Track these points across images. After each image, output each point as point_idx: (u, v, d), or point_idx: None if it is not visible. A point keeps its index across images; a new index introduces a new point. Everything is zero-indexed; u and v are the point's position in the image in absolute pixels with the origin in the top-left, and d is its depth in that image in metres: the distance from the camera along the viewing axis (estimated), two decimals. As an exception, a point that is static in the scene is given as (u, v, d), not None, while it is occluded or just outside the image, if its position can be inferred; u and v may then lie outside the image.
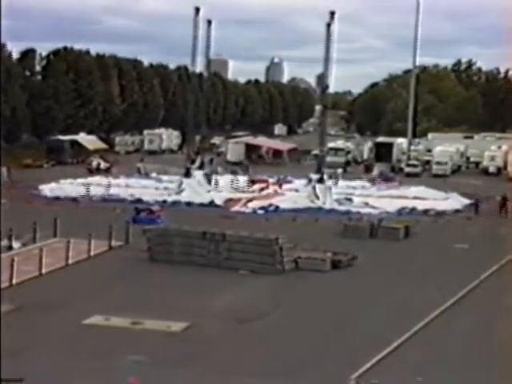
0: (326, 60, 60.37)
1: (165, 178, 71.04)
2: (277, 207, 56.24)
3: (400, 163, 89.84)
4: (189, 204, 57.03)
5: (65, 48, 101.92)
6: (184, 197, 59.52)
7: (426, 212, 55.51)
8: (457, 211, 56.92)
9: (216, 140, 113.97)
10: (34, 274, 32.84)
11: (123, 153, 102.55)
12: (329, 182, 61.66)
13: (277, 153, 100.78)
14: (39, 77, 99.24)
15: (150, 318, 26.78)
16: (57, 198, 57.84)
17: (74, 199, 57.42)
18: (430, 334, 26.47)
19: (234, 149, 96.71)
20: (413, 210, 56.08)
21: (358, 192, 64.89)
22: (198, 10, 63.58)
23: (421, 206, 57.39)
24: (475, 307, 30.17)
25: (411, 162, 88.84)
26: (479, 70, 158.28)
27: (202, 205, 56.70)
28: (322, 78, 67.85)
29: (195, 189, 61.44)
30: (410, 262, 38.73)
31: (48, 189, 62.28)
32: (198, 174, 64.79)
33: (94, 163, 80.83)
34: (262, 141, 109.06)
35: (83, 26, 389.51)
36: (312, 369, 22.77)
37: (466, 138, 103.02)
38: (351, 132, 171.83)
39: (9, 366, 20.49)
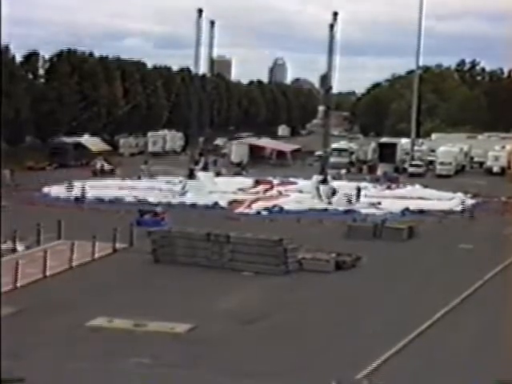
0: (330, 61, 60.39)
1: (169, 179, 70.99)
2: (281, 208, 56.24)
3: (404, 163, 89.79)
4: (193, 205, 57.02)
5: (68, 50, 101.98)
6: (188, 198, 59.52)
7: (430, 212, 55.39)
8: (461, 211, 56.84)
9: (219, 141, 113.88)
10: (38, 276, 32.85)
11: (127, 155, 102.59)
12: (333, 183, 61.82)
13: (280, 154, 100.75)
14: (43, 79, 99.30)
15: (154, 320, 26.77)
16: (61, 201, 57.89)
17: (78, 201, 57.49)
18: (430, 339, 26.43)
19: (237, 150, 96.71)
20: (416, 210, 55.97)
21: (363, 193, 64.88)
22: (201, 11, 63.62)
23: (425, 206, 57.29)
24: (479, 309, 30.10)
25: (415, 163, 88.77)
26: (483, 69, 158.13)
27: (206, 206, 56.71)
28: (325, 79, 67.80)
29: (199, 190, 61.42)
30: (414, 263, 38.66)
31: (52, 191, 62.30)
32: (202, 176, 64.83)
33: (98, 165, 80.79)
34: (265, 142, 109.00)
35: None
36: (312, 369, 22.75)
37: (470, 137, 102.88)
38: (355, 133, 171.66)
39: (13, 367, 20.53)
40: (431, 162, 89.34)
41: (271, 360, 23.54)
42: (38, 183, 64.62)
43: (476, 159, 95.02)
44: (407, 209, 55.99)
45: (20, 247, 37.86)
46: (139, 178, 73.42)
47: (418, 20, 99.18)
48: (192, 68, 70.95)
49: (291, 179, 72.21)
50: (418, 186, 68.13)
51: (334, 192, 59.55)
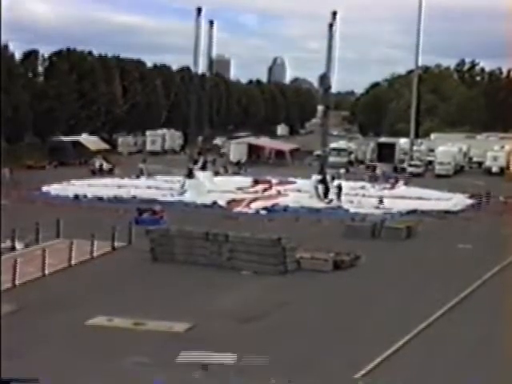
0: (329, 60, 60.42)
1: (167, 178, 71.02)
2: (282, 207, 56.33)
3: (403, 163, 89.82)
4: (192, 204, 56.98)
5: (67, 49, 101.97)
6: (187, 197, 59.55)
7: (428, 212, 55.40)
8: (460, 211, 56.89)
9: (218, 140, 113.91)
10: (37, 274, 32.86)
11: (126, 153, 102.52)
12: (333, 183, 61.97)
13: (279, 153, 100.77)
14: (42, 77, 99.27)
15: (153, 319, 26.79)
16: (60, 199, 57.92)
17: (77, 200, 57.60)
18: (430, 337, 26.46)
19: (236, 149, 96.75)
20: (415, 210, 55.97)
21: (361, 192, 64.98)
22: (199, 10, 63.63)
23: (424, 206, 57.31)
24: (476, 309, 30.11)
25: (414, 163, 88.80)
26: (482, 70, 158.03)
27: (204, 205, 56.71)
28: (324, 79, 67.82)
29: (198, 189, 61.44)
30: (413, 263, 38.65)
31: (51, 189, 62.37)
32: (201, 175, 64.85)
33: (97, 164, 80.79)
34: (264, 141, 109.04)
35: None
36: (311, 369, 22.77)
37: (469, 137, 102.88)
38: (354, 132, 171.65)
39: (12, 366, 20.51)
40: (430, 162, 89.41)
41: (270, 359, 23.54)
42: (38, 182, 64.61)
43: (475, 159, 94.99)
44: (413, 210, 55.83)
45: (19, 245, 37.87)
46: (137, 176, 73.46)
47: (417, 19, 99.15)
48: (191, 67, 70.88)
49: (290, 179, 72.25)
50: (413, 188, 68.14)
51: (327, 190, 59.78)
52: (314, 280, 34.07)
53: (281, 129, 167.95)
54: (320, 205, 57.52)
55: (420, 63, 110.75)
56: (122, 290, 31.29)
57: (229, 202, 58.19)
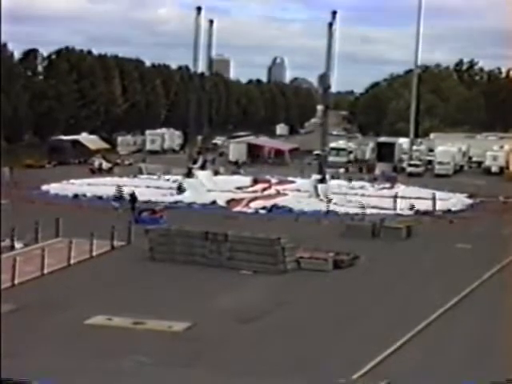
0: (328, 60, 60.40)
1: (167, 177, 70.97)
2: (280, 207, 56.32)
3: (402, 163, 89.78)
4: (191, 204, 56.96)
5: (67, 48, 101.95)
6: (186, 197, 59.51)
7: (427, 212, 55.40)
8: (459, 211, 56.89)
9: (218, 140, 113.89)
10: (36, 274, 32.84)
11: (125, 153, 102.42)
12: (331, 182, 61.92)
13: (279, 153, 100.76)
14: (41, 77, 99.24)
15: (152, 318, 26.76)
16: (59, 198, 57.90)
17: (76, 199, 57.59)
18: (430, 338, 26.45)
19: (235, 149, 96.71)
20: (413, 209, 55.95)
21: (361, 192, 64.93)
22: (199, 9, 63.63)
23: (423, 205, 57.25)
24: (475, 309, 30.09)
25: (413, 162, 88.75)
26: (481, 69, 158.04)
27: (204, 205, 56.68)
28: (323, 78, 67.81)
29: (197, 189, 61.41)
30: (412, 262, 38.67)
31: (50, 189, 62.34)
32: (201, 174, 64.82)
33: (96, 163, 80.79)
34: (263, 141, 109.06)
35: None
36: (310, 369, 22.76)
37: (468, 137, 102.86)
38: (353, 132, 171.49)
39: (11, 365, 20.50)
40: (430, 162, 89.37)
41: (269, 359, 23.53)
42: (37, 181, 64.58)
43: (474, 159, 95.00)
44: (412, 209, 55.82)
45: (18, 245, 37.85)
46: (135, 176, 73.44)
47: (416, 18, 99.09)
48: (191, 66, 70.84)
49: (289, 178, 72.18)
50: (411, 188, 68.16)
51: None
52: (314, 279, 34.05)
53: (280, 128, 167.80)
54: (320, 204, 57.46)
55: (419, 62, 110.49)
56: (121, 290, 31.27)
57: (228, 202, 58.15)
